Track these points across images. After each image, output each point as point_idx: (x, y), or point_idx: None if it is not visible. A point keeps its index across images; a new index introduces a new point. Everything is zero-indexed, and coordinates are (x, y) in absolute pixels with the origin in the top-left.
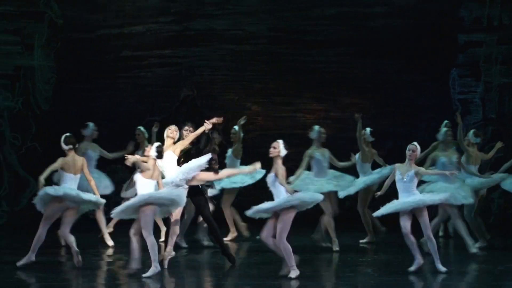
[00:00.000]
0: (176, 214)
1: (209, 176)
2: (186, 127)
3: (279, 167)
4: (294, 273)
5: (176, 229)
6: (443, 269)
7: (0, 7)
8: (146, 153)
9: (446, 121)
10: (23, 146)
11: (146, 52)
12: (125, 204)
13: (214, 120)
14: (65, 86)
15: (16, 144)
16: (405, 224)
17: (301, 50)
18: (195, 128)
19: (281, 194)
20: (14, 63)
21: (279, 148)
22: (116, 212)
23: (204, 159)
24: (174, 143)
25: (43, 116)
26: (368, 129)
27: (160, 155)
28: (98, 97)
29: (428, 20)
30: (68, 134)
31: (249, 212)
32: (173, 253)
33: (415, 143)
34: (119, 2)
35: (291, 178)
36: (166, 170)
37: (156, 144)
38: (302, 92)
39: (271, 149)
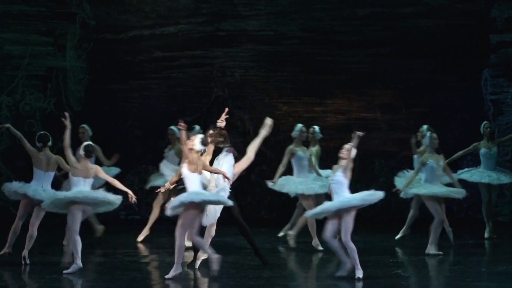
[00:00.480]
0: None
1: (243, 163)
2: (210, 131)
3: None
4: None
5: (212, 231)
6: (361, 275)
7: (33, 8)
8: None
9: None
10: (55, 147)
11: (177, 52)
12: (54, 197)
13: (223, 116)
14: (97, 87)
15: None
16: (328, 227)
17: (333, 50)
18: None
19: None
20: (46, 64)
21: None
22: (46, 203)
23: (229, 157)
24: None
25: (75, 117)
26: (316, 127)
27: (204, 143)
28: (130, 98)
29: (460, 20)
30: (42, 132)
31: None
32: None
33: (350, 144)
34: (150, 2)
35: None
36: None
37: (200, 136)
38: (334, 93)
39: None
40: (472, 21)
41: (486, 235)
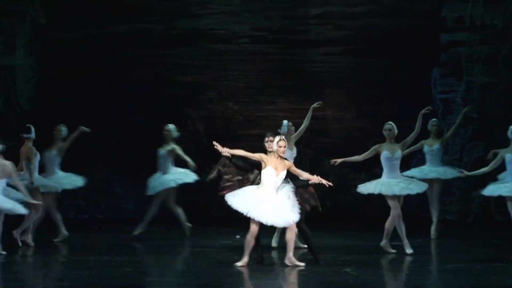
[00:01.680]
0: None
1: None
2: (266, 138)
3: None
4: None
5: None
6: None
7: None
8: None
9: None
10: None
11: (129, 52)
12: None
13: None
14: (46, 85)
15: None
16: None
17: (285, 49)
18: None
19: None
20: None
21: None
22: None
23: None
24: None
25: (24, 116)
26: (171, 125)
27: None
28: (80, 97)
29: (411, 20)
30: None
31: None
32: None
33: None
34: (102, 1)
35: None
36: None
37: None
38: (286, 92)
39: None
40: (422, 21)
41: (432, 233)
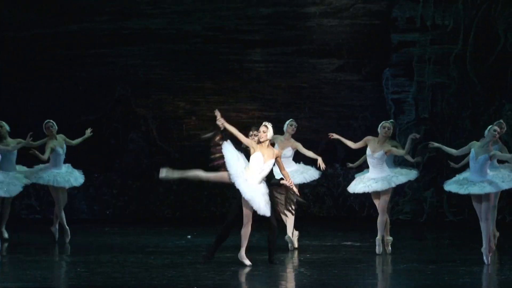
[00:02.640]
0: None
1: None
2: (251, 132)
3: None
4: None
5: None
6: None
7: None
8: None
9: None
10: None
11: (80, 51)
12: None
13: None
14: None
15: None
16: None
17: (237, 49)
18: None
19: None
20: None
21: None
22: None
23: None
24: None
25: None
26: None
27: None
28: (33, 97)
29: (362, 20)
30: None
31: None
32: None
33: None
34: (53, 1)
35: None
36: None
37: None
38: (238, 92)
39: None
40: (374, 21)
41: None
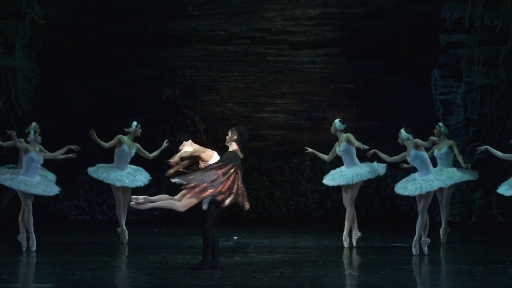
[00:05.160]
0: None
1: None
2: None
3: None
4: None
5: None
6: None
7: None
8: None
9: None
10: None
11: (128, 52)
12: None
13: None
14: (46, 86)
15: None
16: None
17: (284, 50)
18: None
19: None
20: None
21: None
22: None
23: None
24: None
25: (24, 117)
26: None
27: None
28: (80, 98)
29: (410, 21)
30: None
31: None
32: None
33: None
34: (100, 2)
35: None
36: None
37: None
38: (285, 93)
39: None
40: (422, 22)
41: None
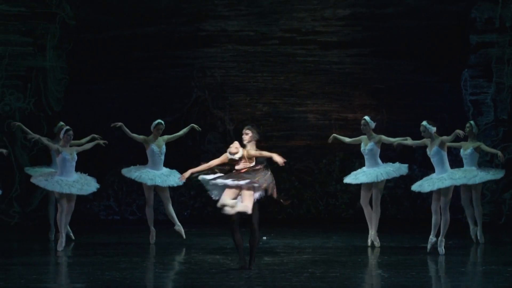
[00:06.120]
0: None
1: None
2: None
3: None
4: None
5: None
6: None
7: (13, 8)
8: None
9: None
10: (34, 147)
11: (158, 53)
12: None
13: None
14: (76, 87)
15: (28, 145)
16: None
17: (314, 51)
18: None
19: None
20: (26, 64)
21: None
22: None
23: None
24: None
25: (54, 117)
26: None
27: None
28: (110, 98)
29: (440, 21)
30: None
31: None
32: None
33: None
34: (131, 3)
35: None
36: None
37: None
38: (314, 93)
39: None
40: (452, 22)
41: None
